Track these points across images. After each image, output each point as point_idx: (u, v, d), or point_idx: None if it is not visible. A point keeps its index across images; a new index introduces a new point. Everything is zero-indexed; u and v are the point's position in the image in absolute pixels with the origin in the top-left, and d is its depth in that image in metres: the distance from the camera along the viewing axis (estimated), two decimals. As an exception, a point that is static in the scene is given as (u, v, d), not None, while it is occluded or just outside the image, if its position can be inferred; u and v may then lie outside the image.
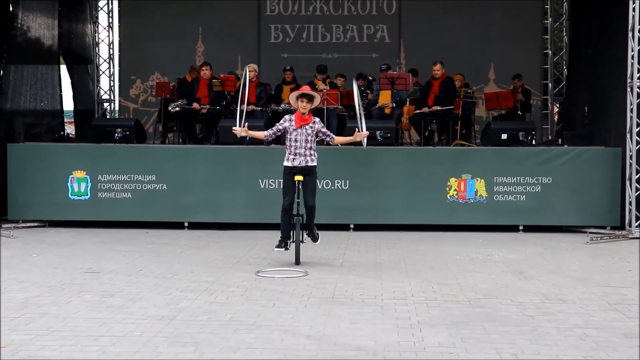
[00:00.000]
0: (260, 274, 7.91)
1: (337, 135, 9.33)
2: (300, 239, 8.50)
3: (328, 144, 8.93)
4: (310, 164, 8.44)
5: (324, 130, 8.57)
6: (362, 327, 5.72)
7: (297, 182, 8.37)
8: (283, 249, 8.45)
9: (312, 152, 8.46)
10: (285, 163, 8.48)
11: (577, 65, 14.59)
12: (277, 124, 8.63)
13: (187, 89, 13.82)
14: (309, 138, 8.42)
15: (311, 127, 8.42)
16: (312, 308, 6.37)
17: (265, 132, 8.67)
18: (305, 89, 8.65)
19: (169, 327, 5.72)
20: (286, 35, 17.23)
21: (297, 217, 8.44)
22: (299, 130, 8.40)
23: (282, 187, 8.67)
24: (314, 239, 8.69)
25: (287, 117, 8.56)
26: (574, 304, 6.60)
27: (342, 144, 9.49)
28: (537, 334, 5.57)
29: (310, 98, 8.45)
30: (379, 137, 11.95)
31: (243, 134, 8.64)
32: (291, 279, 7.71)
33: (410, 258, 9.14)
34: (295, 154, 8.42)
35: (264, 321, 5.90)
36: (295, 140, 8.41)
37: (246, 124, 8.61)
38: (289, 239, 8.49)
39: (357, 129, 8.58)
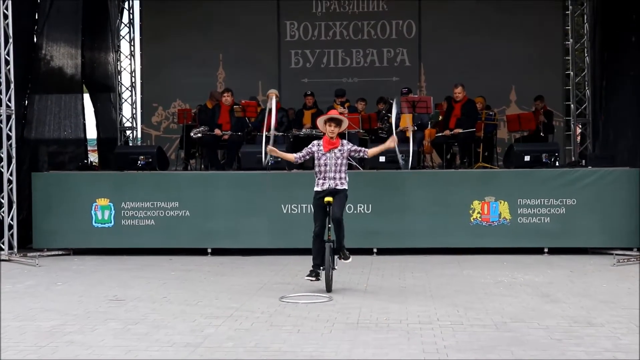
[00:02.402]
0: (285, 300, 7.90)
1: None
2: (332, 266, 8.37)
3: (363, 159, 8.86)
4: (339, 187, 8.34)
5: (355, 148, 8.52)
6: (389, 353, 5.69)
7: (327, 205, 8.27)
8: (314, 279, 8.28)
9: (342, 175, 8.37)
10: (315, 188, 8.42)
11: (600, 85, 14.53)
12: (307, 147, 8.60)
13: (208, 116, 13.92)
14: (339, 162, 8.34)
15: (340, 150, 8.35)
16: (337, 334, 6.35)
17: (295, 155, 8.61)
18: (333, 113, 8.61)
19: (194, 354, 5.72)
20: (306, 60, 17.33)
21: (328, 243, 8.31)
22: (328, 154, 8.35)
23: (313, 212, 8.57)
24: (345, 257, 8.53)
25: (315, 142, 8.54)
26: (602, 327, 6.53)
27: (377, 154, 9.28)
28: (565, 358, 5.51)
29: (338, 122, 8.43)
30: (401, 161, 11.92)
31: (274, 155, 8.62)
32: (315, 304, 7.68)
33: (435, 282, 9.09)
34: (325, 178, 8.34)
35: (289, 347, 5.88)
36: (325, 165, 8.35)
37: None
38: (321, 267, 8.34)
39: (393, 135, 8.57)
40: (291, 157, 8.67)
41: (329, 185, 8.33)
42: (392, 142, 8.53)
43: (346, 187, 8.41)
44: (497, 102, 16.09)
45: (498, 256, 11.24)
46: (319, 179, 8.42)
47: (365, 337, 6.20)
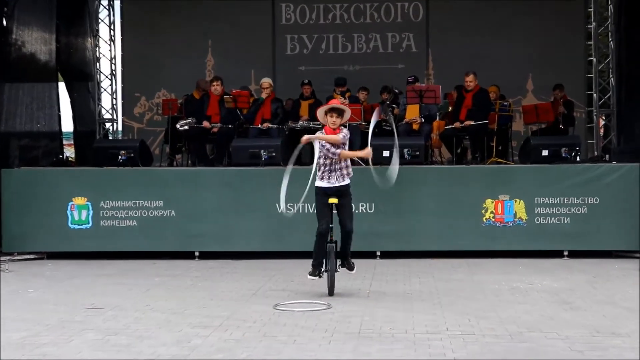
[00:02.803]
0: (279, 308, 7.89)
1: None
2: (335, 268, 8.49)
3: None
4: (344, 182, 8.44)
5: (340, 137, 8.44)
6: (393, 365, 5.70)
7: (331, 204, 8.41)
8: (317, 277, 8.50)
9: (347, 167, 8.48)
10: (319, 183, 8.50)
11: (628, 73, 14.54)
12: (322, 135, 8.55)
13: (196, 107, 13.92)
14: (347, 147, 8.44)
15: (343, 139, 8.39)
16: (336, 344, 6.34)
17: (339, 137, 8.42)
18: (335, 103, 8.69)
19: (179, 367, 5.72)
20: (303, 46, 17.32)
21: (331, 244, 8.45)
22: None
23: (315, 209, 8.64)
24: (350, 267, 8.68)
25: (318, 134, 8.60)
26: (628, 337, 6.52)
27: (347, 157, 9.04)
28: (587, 371, 5.52)
29: (340, 112, 8.46)
30: (406, 156, 11.94)
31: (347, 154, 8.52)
32: (313, 312, 7.68)
33: (444, 288, 9.09)
34: (330, 171, 8.43)
35: (284, 359, 5.87)
36: (329, 157, 8.42)
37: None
38: (322, 267, 8.50)
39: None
40: (338, 137, 8.35)
41: (336, 178, 8.41)
42: (367, 154, 8.46)
43: (349, 182, 8.49)
44: (513, 92, 16.11)
45: (513, 260, 11.24)
46: (322, 172, 8.46)
47: (367, 348, 6.19)
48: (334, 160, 8.42)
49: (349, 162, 8.55)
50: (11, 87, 13.18)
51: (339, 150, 8.42)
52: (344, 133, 8.45)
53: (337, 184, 8.45)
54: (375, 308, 7.87)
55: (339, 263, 8.59)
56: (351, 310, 7.75)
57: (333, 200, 8.41)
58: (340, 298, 8.39)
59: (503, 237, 11.58)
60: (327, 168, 8.46)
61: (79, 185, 11.99)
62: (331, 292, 8.45)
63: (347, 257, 8.64)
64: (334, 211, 8.48)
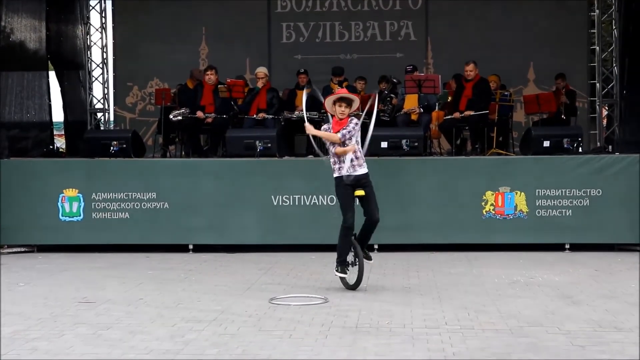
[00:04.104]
0: (275, 302, 7.90)
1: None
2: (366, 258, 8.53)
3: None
4: (363, 171, 8.40)
5: (346, 131, 8.39)
6: (391, 360, 5.71)
7: (356, 197, 8.40)
8: (346, 274, 8.46)
9: (360, 155, 8.43)
10: (338, 174, 8.40)
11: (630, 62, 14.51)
12: (328, 127, 8.54)
13: (189, 96, 13.89)
14: (353, 140, 8.37)
15: (354, 128, 8.34)
16: (333, 339, 6.35)
17: (338, 134, 8.38)
18: (343, 92, 8.68)
19: (173, 362, 5.73)
20: (299, 34, 17.28)
21: (355, 238, 8.51)
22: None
23: (340, 201, 8.53)
24: (369, 257, 8.67)
25: (325, 126, 8.59)
26: (630, 332, 6.54)
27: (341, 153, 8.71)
28: (588, 366, 5.54)
29: (348, 102, 8.42)
30: (405, 147, 11.94)
31: (312, 133, 8.54)
32: (309, 306, 7.70)
33: (443, 281, 9.11)
34: (342, 161, 8.35)
35: (279, 354, 5.89)
36: (339, 146, 8.38)
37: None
38: (350, 263, 8.49)
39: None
40: (335, 137, 8.40)
41: (355, 168, 8.34)
42: (350, 150, 8.33)
43: (367, 171, 8.46)
44: (513, 81, 16.09)
45: (513, 253, 11.26)
46: (339, 163, 8.39)
47: (364, 343, 6.21)
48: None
49: (360, 150, 8.43)
50: (0, 76, 13.14)
51: (333, 150, 8.43)
52: (353, 124, 8.37)
53: (357, 175, 8.36)
54: (373, 302, 7.88)
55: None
56: (348, 304, 7.76)
57: (359, 193, 8.37)
58: (337, 292, 8.41)
59: (503, 230, 11.59)
60: (340, 158, 8.40)
61: (70, 176, 11.98)
62: (357, 285, 8.46)
63: (365, 247, 8.65)
64: (360, 203, 8.47)
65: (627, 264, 10.37)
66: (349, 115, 8.47)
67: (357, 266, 8.49)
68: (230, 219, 11.78)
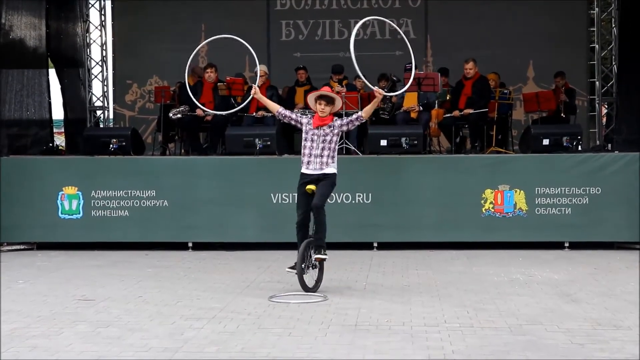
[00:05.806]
0: (274, 300, 7.91)
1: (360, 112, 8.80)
2: (304, 265, 8.17)
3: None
4: (326, 170, 8.28)
5: (347, 119, 8.42)
6: (390, 358, 5.71)
7: (310, 192, 8.24)
8: (296, 271, 8.22)
9: (331, 154, 8.30)
10: (301, 170, 8.39)
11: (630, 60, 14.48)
12: (298, 114, 8.61)
13: (189, 94, 13.86)
14: (327, 138, 8.28)
15: (330, 127, 8.30)
16: (332, 337, 6.36)
17: (280, 109, 8.54)
18: (325, 90, 8.65)
19: (172, 360, 5.73)
20: (299, 32, 17.28)
21: (308, 240, 8.28)
22: (316, 130, 8.31)
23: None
24: (321, 252, 8.26)
25: (309, 115, 8.62)
26: (629, 330, 6.54)
27: (371, 111, 8.73)
28: (587, 364, 5.54)
29: (329, 100, 8.37)
30: (404, 145, 11.94)
31: (256, 96, 8.60)
32: (308, 304, 7.70)
33: (442, 280, 9.11)
34: (310, 156, 8.31)
35: (278, 352, 5.89)
36: (311, 140, 8.31)
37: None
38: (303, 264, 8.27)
39: (374, 88, 8.47)
40: (275, 107, 8.63)
41: (315, 166, 8.28)
42: (378, 94, 8.36)
43: (334, 172, 8.34)
44: (513, 79, 16.08)
45: (513, 251, 11.27)
46: (303, 156, 8.37)
47: (364, 341, 6.20)
48: (314, 146, 8.30)
49: (333, 151, 8.34)
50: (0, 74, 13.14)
51: (360, 113, 8.48)
52: (338, 123, 8.35)
53: (316, 173, 8.28)
54: (372, 300, 7.89)
55: (312, 251, 8.32)
56: (348, 302, 7.77)
57: (311, 188, 8.21)
58: (336, 290, 8.41)
59: (503, 228, 11.60)
60: (307, 152, 8.34)
61: (69, 174, 11.98)
62: (305, 289, 8.16)
63: (321, 240, 8.29)
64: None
65: (626, 262, 10.38)
66: (333, 115, 8.45)
67: (317, 268, 8.34)
68: (230, 217, 11.78)
